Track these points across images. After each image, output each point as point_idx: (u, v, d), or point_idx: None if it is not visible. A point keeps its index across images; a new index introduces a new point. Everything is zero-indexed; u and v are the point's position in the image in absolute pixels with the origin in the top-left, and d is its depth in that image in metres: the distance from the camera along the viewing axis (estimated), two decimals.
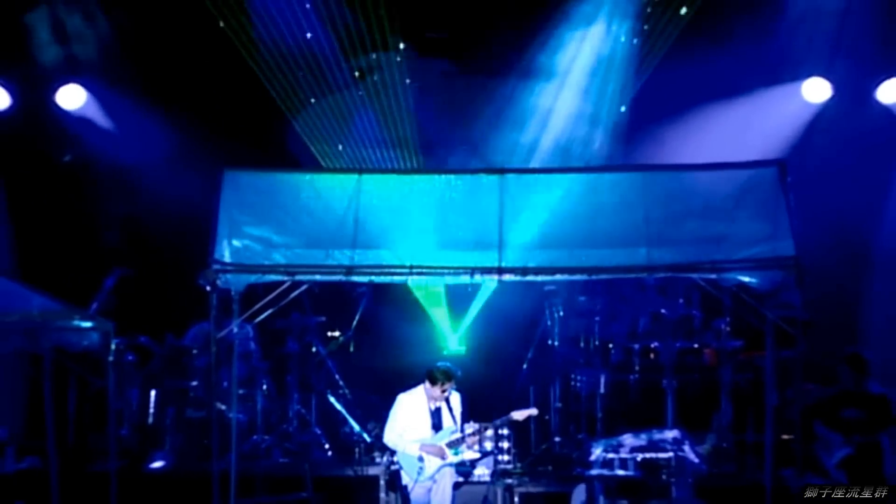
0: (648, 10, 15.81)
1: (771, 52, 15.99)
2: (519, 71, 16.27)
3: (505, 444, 14.25)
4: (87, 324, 12.13)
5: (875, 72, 16.01)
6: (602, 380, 15.00)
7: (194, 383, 14.81)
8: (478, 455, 12.97)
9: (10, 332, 12.16)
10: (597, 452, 12.70)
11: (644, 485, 12.46)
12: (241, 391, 14.10)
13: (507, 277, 12.39)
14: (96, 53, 16.17)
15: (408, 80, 16.61)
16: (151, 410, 14.98)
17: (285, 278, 12.16)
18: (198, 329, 14.88)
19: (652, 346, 15.16)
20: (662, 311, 15.21)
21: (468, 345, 16.68)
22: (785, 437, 13.30)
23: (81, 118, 16.64)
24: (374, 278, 12.66)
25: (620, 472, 12.49)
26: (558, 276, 12.74)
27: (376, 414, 14.21)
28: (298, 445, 14.80)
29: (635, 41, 16.02)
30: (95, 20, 15.89)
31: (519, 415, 12.77)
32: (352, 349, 15.65)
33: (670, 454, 12.51)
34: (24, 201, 16.61)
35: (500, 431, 13.89)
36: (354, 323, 15.37)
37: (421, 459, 12.52)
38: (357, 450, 14.66)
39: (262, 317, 12.52)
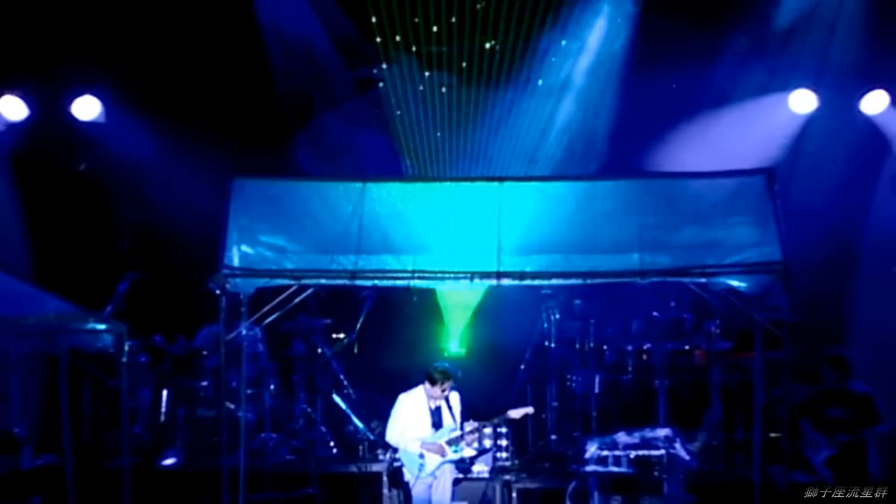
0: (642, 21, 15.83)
1: (759, 65, 16.00)
2: (517, 83, 16.26)
3: (503, 442, 14.25)
4: (102, 326, 12.14)
5: (859, 84, 16.02)
6: (597, 380, 15.00)
7: (204, 383, 14.82)
8: (475, 452, 12.94)
9: (28, 334, 12.18)
10: (591, 450, 12.70)
11: (637, 481, 12.46)
12: (249, 391, 14.09)
13: (506, 282, 12.37)
14: (110, 66, 16.18)
15: (410, 92, 16.63)
16: (163, 409, 15.00)
17: (292, 282, 12.16)
18: (208, 331, 14.87)
19: (644, 347, 15.15)
20: (654, 313, 15.22)
21: (468, 346, 16.66)
22: (773, 435, 13.30)
23: (96, 128, 16.64)
24: (378, 282, 12.65)
25: (614, 469, 12.49)
26: (554, 281, 12.75)
27: (379, 413, 14.19)
28: (304, 443, 14.80)
29: (630, 52, 16.03)
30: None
31: (516, 413, 12.75)
32: (356, 351, 15.62)
33: (662, 452, 12.50)
34: (41, 208, 16.60)
35: (498, 429, 13.90)
36: (358, 325, 15.36)
37: (422, 457, 12.51)
38: (361, 447, 14.69)
39: (270, 319, 12.54)
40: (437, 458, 12.51)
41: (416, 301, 16.04)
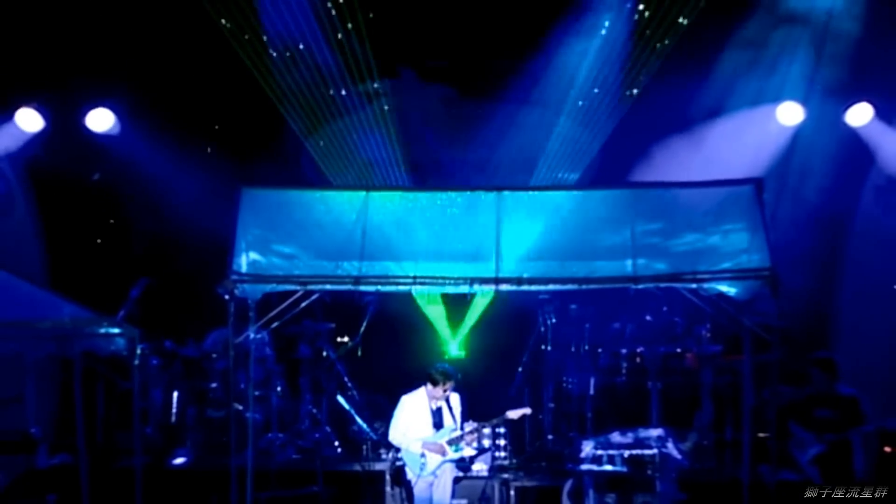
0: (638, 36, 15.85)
1: (749, 79, 16.02)
2: (514, 95, 16.27)
3: (501, 442, 14.25)
4: (115, 330, 12.14)
5: (844, 98, 16.04)
6: (591, 382, 14.99)
7: (214, 385, 14.80)
8: (475, 452, 12.93)
9: (44, 338, 12.19)
10: (587, 449, 12.69)
11: (630, 479, 12.46)
12: (257, 392, 14.09)
13: (504, 287, 12.42)
14: (123, 80, 16.20)
15: (411, 104, 16.65)
16: (174, 410, 14.98)
17: (298, 288, 12.19)
18: (217, 335, 14.86)
19: (638, 350, 15.14)
20: (647, 318, 15.21)
21: (468, 350, 16.65)
22: (761, 435, 13.29)
23: (109, 140, 16.66)
24: (381, 288, 12.69)
25: (609, 468, 12.48)
26: (551, 286, 12.77)
27: (382, 413, 14.21)
28: (310, 443, 14.76)
29: (626, 65, 16.04)
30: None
31: (514, 414, 12.74)
32: (360, 354, 15.61)
33: (655, 451, 12.50)
34: (57, 217, 16.61)
35: (496, 430, 13.90)
36: (362, 329, 15.35)
37: (423, 456, 12.50)
38: (364, 447, 14.69)
39: (277, 324, 12.55)
40: (438, 458, 12.50)
41: (417, 306, 16.08)
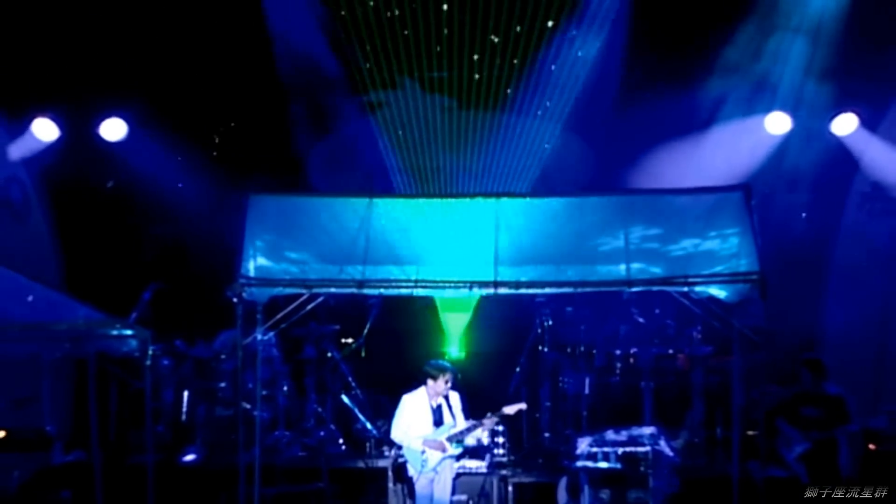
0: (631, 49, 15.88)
1: (738, 90, 16.04)
2: (512, 105, 16.28)
3: (500, 439, 14.24)
4: (127, 332, 12.12)
5: (829, 108, 16.07)
6: (587, 382, 14.97)
7: (222, 385, 14.79)
8: (476, 442, 12.87)
9: (59, 339, 12.19)
10: (582, 446, 12.69)
11: (624, 475, 12.46)
12: (264, 392, 14.08)
13: (503, 290, 12.40)
14: (135, 91, 16.23)
15: (412, 114, 16.66)
16: (184, 409, 14.98)
17: (303, 291, 12.19)
18: (226, 336, 14.86)
19: (631, 351, 15.14)
20: (640, 320, 15.19)
21: (467, 350, 16.64)
22: (750, 433, 13.32)
23: (122, 148, 16.68)
24: (383, 291, 12.70)
25: (603, 465, 12.48)
26: (548, 290, 12.76)
27: (385, 412, 14.19)
28: (315, 440, 14.76)
29: (620, 77, 16.07)
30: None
31: (510, 409, 12.68)
32: (363, 354, 15.60)
33: (648, 448, 12.49)
34: (72, 223, 16.62)
35: (495, 427, 13.88)
36: (365, 331, 15.32)
37: (423, 453, 12.49)
38: (368, 444, 14.68)
39: (283, 326, 12.55)
40: (438, 454, 12.48)
41: (419, 309, 16.07)
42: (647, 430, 12.74)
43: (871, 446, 13.49)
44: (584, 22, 15.79)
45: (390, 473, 13.12)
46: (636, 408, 14.67)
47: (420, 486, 12.51)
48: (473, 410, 13.02)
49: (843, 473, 12.82)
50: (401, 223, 12.44)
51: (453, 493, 12.71)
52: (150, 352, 12.12)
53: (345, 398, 15.24)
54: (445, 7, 15.60)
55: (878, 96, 15.97)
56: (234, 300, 11.90)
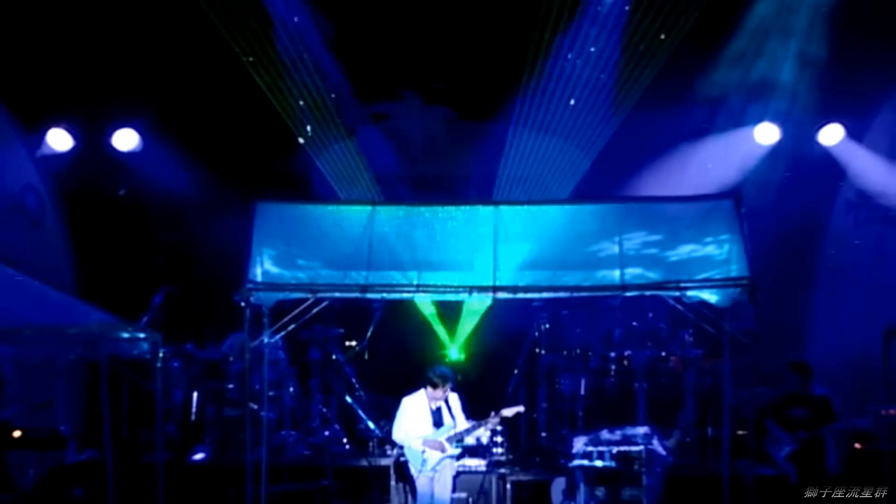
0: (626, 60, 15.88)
1: (729, 102, 16.06)
2: (510, 115, 16.27)
3: (498, 439, 14.22)
4: (139, 335, 12.12)
5: (816, 118, 16.08)
6: (582, 383, 14.97)
7: (231, 386, 14.77)
8: (474, 441, 12.85)
9: (73, 342, 12.19)
10: (578, 446, 12.68)
11: (619, 474, 12.45)
12: (270, 393, 14.06)
13: (501, 295, 12.39)
14: (146, 102, 16.24)
15: (415, 124, 16.67)
16: (194, 409, 14.96)
17: (309, 295, 12.18)
18: (234, 339, 14.85)
19: (625, 353, 15.11)
20: (634, 323, 15.20)
21: (467, 353, 16.62)
22: (740, 432, 13.31)
23: (134, 158, 16.69)
24: (386, 295, 12.69)
25: (598, 463, 12.46)
26: (545, 294, 12.75)
27: (387, 413, 14.16)
28: (320, 440, 14.76)
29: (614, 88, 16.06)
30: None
31: (508, 412, 12.67)
32: (366, 357, 15.61)
33: (641, 447, 12.48)
34: (85, 230, 16.61)
35: (493, 427, 13.84)
36: (369, 334, 15.34)
37: (424, 453, 12.47)
38: (371, 444, 14.67)
39: (290, 329, 12.53)
40: (438, 454, 12.46)
41: (420, 312, 16.05)
42: (641, 430, 12.73)
43: (857, 445, 13.49)
44: (580, 36, 15.81)
45: (392, 472, 13.09)
46: (630, 408, 14.66)
47: (421, 485, 12.49)
48: (473, 411, 13.01)
49: (830, 472, 12.81)
50: (402, 230, 12.42)
51: (453, 490, 12.69)
52: (161, 354, 12.12)
53: (349, 399, 15.23)
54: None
55: (863, 108, 15.99)
56: (242, 304, 11.89)
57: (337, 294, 12.38)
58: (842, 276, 16.17)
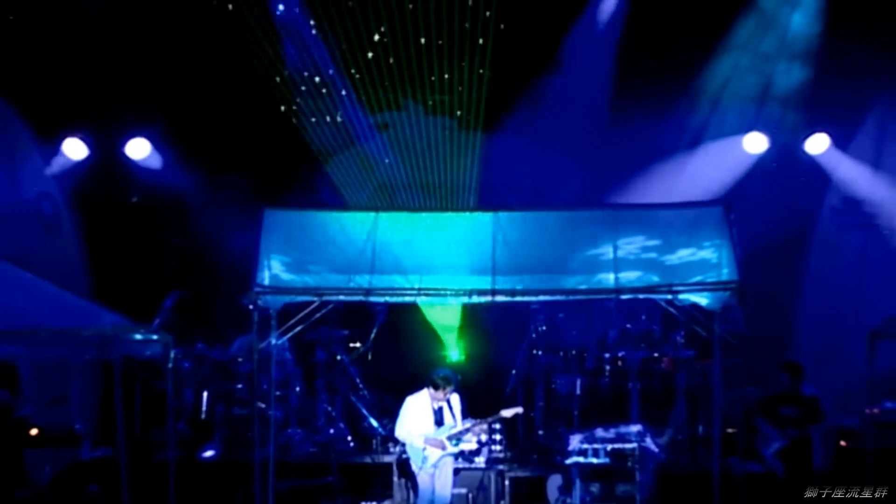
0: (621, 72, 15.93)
1: (718, 113, 16.09)
2: (508, 126, 16.29)
3: (497, 437, 14.22)
4: (151, 337, 12.11)
5: (803, 128, 16.11)
6: (578, 383, 14.96)
7: (239, 386, 14.76)
8: (475, 446, 12.88)
9: (87, 344, 12.18)
10: (574, 443, 12.69)
11: (613, 470, 12.46)
12: (278, 392, 14.05)
13: (500, 298, 12.40)
14: (158, 113, 16.28)
15: (416, 133, 16.68)
16: (204, 408, 14.94)
17: (315, 299, 12.17)
18: (242, 341, 14.83)
19: (619, 355, 15.10)
20: (628, 326, 15.19)
21: (466, 354, 16.62)
22: (730, 431, 13.31)
23: (147, 166, 16.71)
24: (389, 298, 12.71)
25: (594, 460, 12.47)
26: (542, 297, 12.78)
27: (390, 411, 14.14)
28: (326, 438, 14.74)
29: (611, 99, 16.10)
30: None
31: (507, 412, 12.66)
32: (370, 358, 15.61)
33: (635, 445, 12.49)
34: (99, 235, 16.63)
35: (492, 426, 13.85)
36: (372, 336, 15.34)
37: (425, 450, 12.46)
38: (374, 441, 14.66)
39: (296, 331, 12.54)
40: (438, 452, 12.43)
41: (422, 314, 16.06)
42: (634, 428, 12.74)
43: (843, 443, 13.48)
44: (573, 52, 15.86)
45: (395, 469, 13.09)
46: (624, 407, 14.64)
47: (422, 481, 12.48)
48: (473, 410, 13.00)
49: (817, 469, 12.81)
50: (405, 235, 12.45)
51: (453, 486, 12.68)
52: (172, 355, 12.10)
53: (353, 398, 15.23)
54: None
55: (848, 118, 16.02)
56: (250, 307, 11.90)
57: (342, 297, 12.39)
58: (828, 279, 16.18)
